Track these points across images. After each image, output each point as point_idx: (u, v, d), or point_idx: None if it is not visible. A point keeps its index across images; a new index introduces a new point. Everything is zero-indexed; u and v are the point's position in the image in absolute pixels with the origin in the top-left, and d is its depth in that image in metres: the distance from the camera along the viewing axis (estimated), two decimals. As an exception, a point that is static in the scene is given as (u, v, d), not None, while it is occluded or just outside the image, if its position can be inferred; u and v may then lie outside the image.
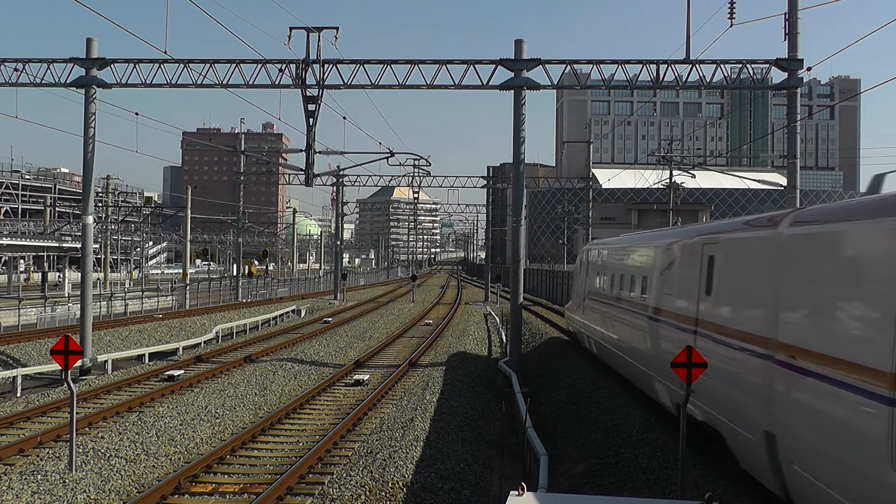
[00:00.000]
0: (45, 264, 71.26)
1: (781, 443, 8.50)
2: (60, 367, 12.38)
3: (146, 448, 13.72)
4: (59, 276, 67.28)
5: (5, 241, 56.54)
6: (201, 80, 23.34)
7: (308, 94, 23.24)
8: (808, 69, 22.45)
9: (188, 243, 62.65)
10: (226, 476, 12.68)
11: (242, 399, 18.64)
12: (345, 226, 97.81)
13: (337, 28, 23.32)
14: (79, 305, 26.91)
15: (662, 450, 12.83)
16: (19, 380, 20.90)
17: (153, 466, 13.02)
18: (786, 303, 8.72)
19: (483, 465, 13.33)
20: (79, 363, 19.67)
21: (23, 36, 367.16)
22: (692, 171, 53.35)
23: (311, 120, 23.70)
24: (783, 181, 25.59)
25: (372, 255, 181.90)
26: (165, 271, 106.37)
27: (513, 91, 23.06)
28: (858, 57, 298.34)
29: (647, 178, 79.40)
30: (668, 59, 22.97)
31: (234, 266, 65.49)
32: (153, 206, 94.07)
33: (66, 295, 45.34)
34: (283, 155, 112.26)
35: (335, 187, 61.76)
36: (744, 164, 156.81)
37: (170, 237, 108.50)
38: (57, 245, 62.46)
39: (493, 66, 23.13)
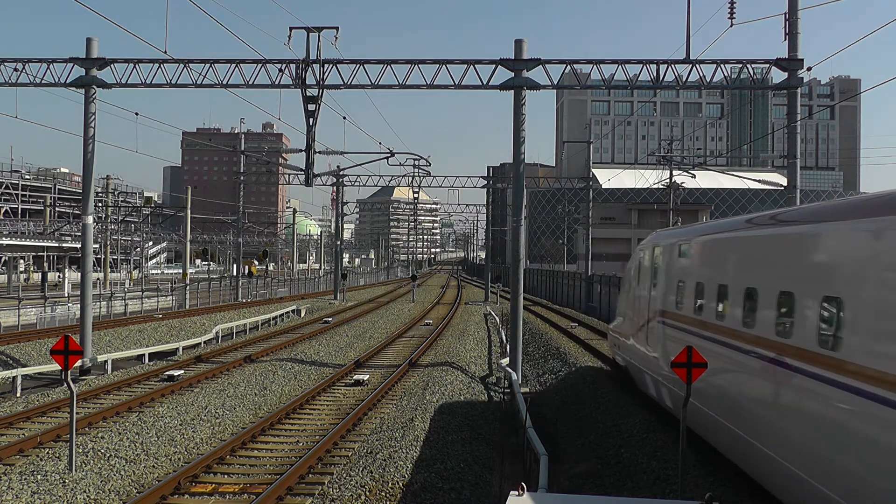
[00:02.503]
0: (45, 264, 71.23)
1: None
2: (60, 367, 12.38)
3: (146, 448, 13.72)
4: (59, 276, 67.27)
5: (5, 241, 56.54)
6: (201, 80, 23.34)
7: (308, 94, 23.23)
8: (808, 69, 22.46)
9: (188, 243, 62.63)
10: (226, 476, 12.68)
11: (242, 399, 18.63)
12: (345, 226, 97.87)
13: (337, 28, 23.32)
14: (79, 305, 26.90)
15: (662, 450, 12.84)
16: (19, 380, 20.90)
17: (153, 466, 13.02)
18: None
19: (483, 465, 13.34)
20: (79, 363, 19.66)
21: (23, 36, 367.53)
22: (692, 171, 53.30)
23: (311, 120, 23.69)
24: (783, 181, 25.57)
25: (372, 255, 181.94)
26: (165, 271, 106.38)
27: (513, 91, 23.04)
28: (858, 57, 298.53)
29: (647, 178, 79.45)
30: (668, 59, 22.97)
31: (234, 266, 65.51)
32: (153, 206, 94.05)
33: (66, 295, 45.35)
34: (283, 155, 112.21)
35: (335, 187, 61.79)
36: (744, 164, 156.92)
37: (170, 237, 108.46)
38: (57, 245, 62.47)
39: (493, 66, 23.13)
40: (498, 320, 39.54)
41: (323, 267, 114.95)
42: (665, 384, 13.59)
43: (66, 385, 12.63)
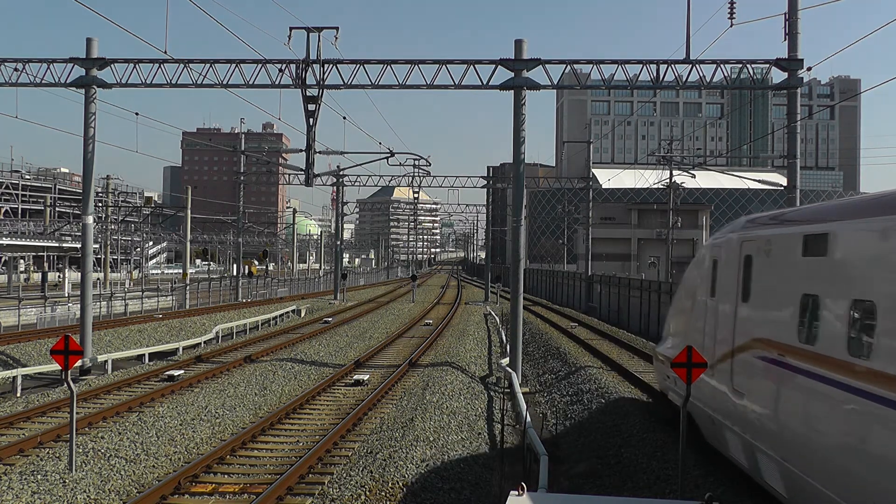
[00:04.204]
0: (45, 264, 71.26)
1: None
2: (60, 367, 12.38)
3: (146, 448, 13.72)
4: (59, 276, 67.28)
5: (5, 241, 56.53)
6: (201, 80, 23.35)
7: (308, 94, 23.24)
8: (808, 69, 22.47)
9: (188, 243, 62.63)
10: (226, 476, 12.68)
11: (242, 399, 18.64)
12: (345, 226, 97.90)
13: (337, 28, 23.35)
14: (79, 305, 26.90)
15: (662, 450, 12.85)
16: (19, 380, 20.89)
17: (153, 466, 13.02)
18: None
19: (483, 465, 13.33)
20: (79, 363, 19.66)
21: (23, 36, 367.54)
22: (692, 171, 53.32)
23: (311, 120, 23.70)
24: (783, 181, 25.57)
25: (372, 255, 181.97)
26: (165, 271, 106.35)
27: (513, 91, 23.05)
28: (858, 57, 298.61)
29: (647, 178, 79.48)
30: (668, 59, 22.98)
31: (234, 266, 65.52)
32: (153, 206, 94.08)
33: (66, 295, 45.33)
34: (283, 155, 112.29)
35: (335, 187, 61.81)
36: (744, 164, 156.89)
37: (170, 237, 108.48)
38: (57, 245, 62.46)
39: (493, 66, 23.13)
40: (498, 320, 39.55)
41: (323, 267, 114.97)
42: (769, 455, 8.85)
43: (66, 385, 12.64)
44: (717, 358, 10.90)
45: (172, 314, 40.46)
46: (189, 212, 62.25)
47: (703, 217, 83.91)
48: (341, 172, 57.27)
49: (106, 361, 24.29)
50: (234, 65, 23.42)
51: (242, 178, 55.49)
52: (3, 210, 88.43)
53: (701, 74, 23.27)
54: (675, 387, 13.00)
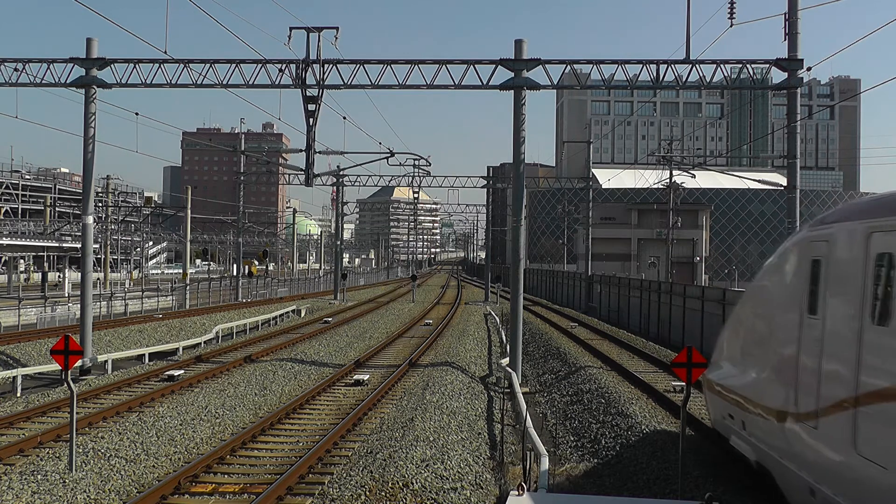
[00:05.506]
0: (45, 264, 71.23)
1: None
2: (60, 367, 12.37)
3: (146, 448, 13.72)
4: (59, 276, 67.28)
5: (5, 241, 56.53)
6: (201, 80, 23.34)
7: (308, 94, 23.24)
8: (808, 69, 22.49)
9: (188, 243, 62.65)
10: (226, 476, 12.67)
11: (242, 399, 18.63)
12: (345, 226, 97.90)
13: (337, 28, 23.35)
14: (79, 305, 26.91)
15: (662, 450, 12.85)
16: (19, 380, 20.89)
17: (153, 466, 13.01)
18: None
19: (483, 465, 13.33)
20: (79, 363, 19.65)
21: (23, 36, 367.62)
22: (692, 171, 53.32)
23: (311, 120, 23.70)
24: (783, 181, 25.56)
25: (372, 255, 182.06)
26: (165, 271, 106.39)
27: (513, 91, 23.05)
28: (858, 57, 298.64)
29: (647, 178, 79.50)
30: (668, 59, 22.97)
31: (234, 266, 65.54)
32: (153, 206, 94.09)
33: (66, 295, 45.35)
34: (283, 155, 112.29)
35: (335, 187, 61.87)
36: (744, 164, 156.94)
37: (170, 237, 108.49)
38: (57, 245, 62.47)
39: (493, 66, 23.13)
40: (498, 320, 39.54)
41: (323, 267, 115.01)
42: None
43: (66, 385, 12.63)
44: (826, 403, 7.52)
45: (172, 314, 40.46)
46: (189, 212, 62.27)
47: (703, 217, 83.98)
48: (341, 172, 57.29)
49: (106, 361, 24.29)
50: (234, 65, 23.42)
51: (242, 178, 55.51)
52: (3, 210, 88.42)
53: (701, 74, 23.27)
54: (744, 433, 9.68)
